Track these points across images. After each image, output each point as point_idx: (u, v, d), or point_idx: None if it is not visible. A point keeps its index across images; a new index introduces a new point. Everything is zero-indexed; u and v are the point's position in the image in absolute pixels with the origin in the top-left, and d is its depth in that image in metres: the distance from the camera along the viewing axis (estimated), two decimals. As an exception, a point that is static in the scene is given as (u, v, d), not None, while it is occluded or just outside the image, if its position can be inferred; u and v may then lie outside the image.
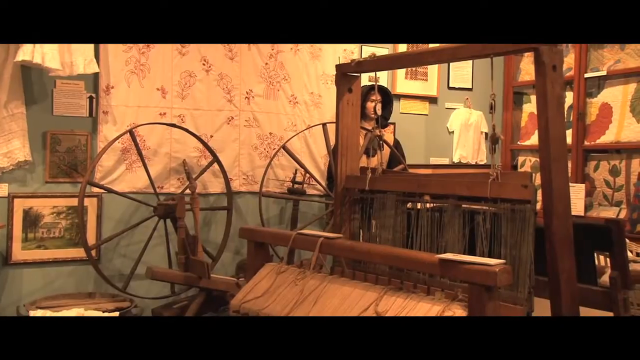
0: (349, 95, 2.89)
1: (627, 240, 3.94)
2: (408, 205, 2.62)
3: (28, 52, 3.34)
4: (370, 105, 4.29)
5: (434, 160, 5.34)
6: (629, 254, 3.74)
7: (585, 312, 2.17)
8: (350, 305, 2.17)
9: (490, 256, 2.21)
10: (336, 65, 2.89)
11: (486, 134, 5.48)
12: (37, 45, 3.37)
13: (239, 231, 2.73)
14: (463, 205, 2.38)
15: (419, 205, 2.53)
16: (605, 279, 2.34)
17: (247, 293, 2.47)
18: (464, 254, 2.30)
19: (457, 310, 1.96)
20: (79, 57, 3.62)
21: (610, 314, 2.25)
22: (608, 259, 2.67)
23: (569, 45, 4.93)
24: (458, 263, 1.95)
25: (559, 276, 2.06)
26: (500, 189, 2.19)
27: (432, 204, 2.50)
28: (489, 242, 2.24)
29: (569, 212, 2.12)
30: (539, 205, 2.18)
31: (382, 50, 4.91)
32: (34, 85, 3.77)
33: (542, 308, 2.16)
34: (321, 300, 2.25)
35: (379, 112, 4.32)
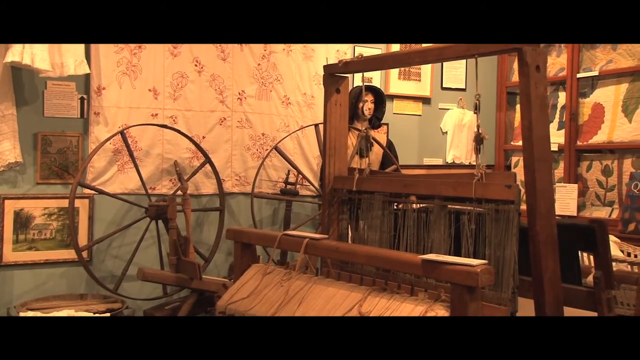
0: (337, 95, 2.89)
1: (619, 240, 3.95)
2: (400, 205, 2.63)
3: (17, 53, 3.33)
4: (361, 105, 4.30)
5: (427, 161, 5.34)
6: (620, 253, 3.74)
7: (569, 312, 2.17)
8: (334, 306, 2.17)
9: (474, 256, 2.21)
10: (324, 66, 2.89)
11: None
12: (27, 46, 3.36)
13: (226, 232, 2.73)
14: (449, 206, 2.38)
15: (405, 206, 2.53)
16: (591, 279, 2.34)
17: (233, 294, 2.47)
18: (449, 254, 2.30)
19: (440, 311, 1.96)
20: (69, 58, 3.62)
21: (595, 314, 2.25)
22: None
23: (562, 45, 4.94)
24: (440, 264, 1.95)
25: (543, 276, 2.07)
26: (485, 190, 2.19)
27: (418, 205, 2.50)
28: (473, 242, 2.24)
29: (552, 212, 2.12)
30: (524, 206, 2.18)
31: (375, 51, 4.92)
32: (24, 86, 3.77)
33: (526, 308, 2.16)
34: (306, 301, 2.25)
35: (367, 113, 4.32)
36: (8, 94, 3.65)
